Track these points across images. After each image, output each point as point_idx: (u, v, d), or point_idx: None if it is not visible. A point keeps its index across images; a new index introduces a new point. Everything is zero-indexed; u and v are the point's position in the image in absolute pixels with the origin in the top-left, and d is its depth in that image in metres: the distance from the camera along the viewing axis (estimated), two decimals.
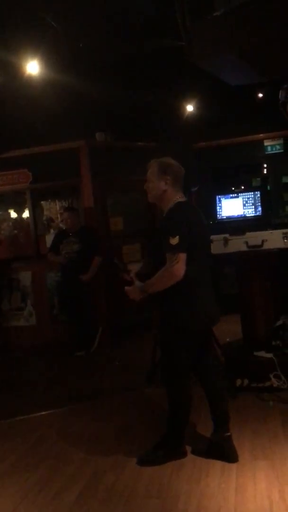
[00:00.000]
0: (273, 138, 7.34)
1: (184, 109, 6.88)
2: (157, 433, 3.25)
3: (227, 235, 3.90)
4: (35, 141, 5.99)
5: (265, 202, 6.95)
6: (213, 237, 3.61)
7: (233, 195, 7.02)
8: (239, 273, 4.17)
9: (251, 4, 3.01)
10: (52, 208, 6.40)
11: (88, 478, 2.84)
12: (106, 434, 3.41)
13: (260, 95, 6.76)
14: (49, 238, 5.99)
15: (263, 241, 3.83)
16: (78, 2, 3.93)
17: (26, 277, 6.17)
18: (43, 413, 3.90)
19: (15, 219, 6.85)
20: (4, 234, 6.67)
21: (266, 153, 7.43)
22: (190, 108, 6.89)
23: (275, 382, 3.63)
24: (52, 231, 6.24)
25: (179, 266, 2.58)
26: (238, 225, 6.14)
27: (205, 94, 6.56)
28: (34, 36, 4.24)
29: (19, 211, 6.77)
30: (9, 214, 6.85)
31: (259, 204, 6.83)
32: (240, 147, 7.54)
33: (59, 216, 6.30)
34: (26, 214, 6.53)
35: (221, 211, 6.97)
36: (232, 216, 6.90)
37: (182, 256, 2.59)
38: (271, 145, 7.39)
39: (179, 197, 2.80)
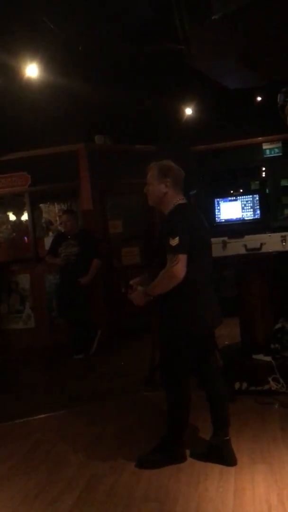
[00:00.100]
0: (271, 142, 7.37)
1: (183, 112, 6.90)
2: (156, 436, 3.24)
3: (225, 238, 3.90)
4: (34, 144, 6.00)
5: (264, 205, 6.96)
6: (211, 240, 3.61)
7: (232, 198, 7.02)
8: (237, 276, 4.17)
9: (249, 7, 3.03)
10: (51, 211, 6.41)
11: (87, 481, 2.83)
12: (105, 437, 3.41)
13: (259, 98, 6.78)
14: (48, 241, 5.99)
15: (261, 244, 3.83)
16: (77, 5, 3.94)
17: (25, 280, 6.17)
18: (42, 416, 3.89)
19: (14, 222, 6.85)
20: (3, 237, 6.67)
21: (265, 156, 7.46)
22: (189, 111, 6.91)
23: (273, 386, 3.63)
24: (51, 233, 6.24)
25: (179, 267, 2.57)
26: (237, 228, 6.15)
27: (203, 98, 6.58)
28: (33, 39, 4.25)
29: (18, 214, 6.77)
30: (8, 217, 6.85)
31: (258, 207, 6.83)
32: (239, 150, 7.57)
33: (58, 218, 6.30)
34: (25, 217, 6.53)
35: (219, 214, 6.97)
36: (231, 219, 6.90)
37: (182, 257, 2.58)
38: (270, 149, 7.41)
39: (180, 199, 2.80)
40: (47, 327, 6.09)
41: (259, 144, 7.42)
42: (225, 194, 7.16)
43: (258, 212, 6.83)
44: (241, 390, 3.72)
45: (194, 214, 2.82)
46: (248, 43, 3.48)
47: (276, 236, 3.85)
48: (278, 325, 3.91)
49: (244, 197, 6.95)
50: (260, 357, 3.80)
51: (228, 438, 2.88)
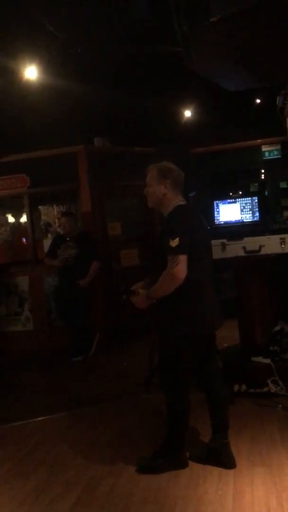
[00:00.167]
0: (270, 144, 7.36)
1: (182, 114, 6.92)
2: (155, 439, 3.24)
3: (224, 240, 3.90)
4: (34, 146, 6.00)
5: (263, 207, 6.95)
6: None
7: (231, 200, 7.02)
8: (237, 278, 4.17)
9: (248, 10, 3.03)
10: (50, 213, 6.41)
11: (85, 484, 2.83)
12: (103, 439, 3.40)
13: (258, 100, 6.80)
14: (47, 243, 5.99)
15: (260, 247, 3.83)
16: (76, 8, 3.95)
17: (24, 282, 6.16)
18: (40, 418, 3.88)
19: (13, 223, 6.85)
20: (2, 239, 6.67)
21: (264, 158, 7.46)
22: (188, 113, 6.92)
23: (272, 388, 3.63)
24: (49, 235, 6.24)
25: (179, 268, 2.56)
26: (236, 230, 6.14)
27: (203, 100, 6.59)
28: (33, 41, 4.26)
29: (17, 216, 6.77)
30: (7, 218, 6.85)
31: (257, 209, 6.83)
32: (238, 152, 7.56)
33: (57, 221, 6.30)
34: (24, 218, 6.53)
35: (218, 216, 6.97)
36: (230, 221, 6.89)
37: (183, 258, 2.57)
38: (269, 151, 7.41)
39: (179, 201, 2.79)
40: (45, 329, 6.07)
41: (258, 146, 7.42)
42: (224, 196, 7.15)
43: (257, 214, 6.83)
44: (240, 392, 3.71)
45: (194, 215, 2.80)
46: (246, 46, 3.49)
47: (275, 238, 3.84)
48: (277, 327, 3.91)
49: (243, 199, 6.94)
50: (259, 359, 3.80)
51: (227, 440, 2.87)
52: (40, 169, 6.03)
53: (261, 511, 2.41)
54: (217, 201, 6.99)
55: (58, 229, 6.13)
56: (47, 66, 4.60)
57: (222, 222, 6.90)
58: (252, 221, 6.78)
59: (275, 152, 7.40)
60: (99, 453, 3.20)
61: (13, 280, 6.19)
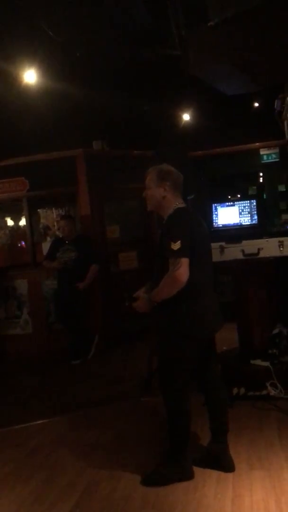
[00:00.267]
0: (269, 147, 7.39)
1: (181, 118, 6.93)
2: (154, 441, 3.24)
3: (223, 243, 3.90)
4: (32, 149, 6.01)
5: (261, 210, 6.98)
6: None
7: (229, 203, 7.05)
8: (235, 281, 4.17)
9: (246, 14, 3.04)
10: (49, 216, 6.40)
11: (84, 488, 2.82)
12: (102, 443, 3.39)
13: (256, 104, 6.81)
14: (46, 246, 5.98)
15: (259, 249, 3.84)
16: (75, 11, 3.96)
17: (22, 285, 6.15)
18: (39, 422, 3.87)
19: (12, 227, 6.85)
20: (0, 242, 6.66)
21: (262, 162, 7.48)
22: (186, 117, 6.94)
23: (271, 391, 3.63)
24: (48, 239, 6.24)
25: (181, 271, 2.54)
26: (234, 233, 6.16)
27: (201, 103, 6.61)
28: (32, 45, 4.27)
29: (16, 219, 6.77)
30: (5, 222, 6.85)
31: (255, 212, 6.86)
32: (236, 156, 7.59)
33: (55, 224, 6.30)
34: (23, 222, 6.53)
35: (217, 220, 7.00)
36: (228, 224, 6.92)
37: (185, 261, 2.55)
38: (267, 154, 7.43)
39: (179, 203, 2.77)
40: (44, 332, 6.06)
41: (257, 150, 7.45)
42: (223, 199, 7.18)
43: (256, 217, 6.86)
44: (239, 395, 3.71)
45: (194, 218, 2.80)
46: (244, 49, 3.50)
47: (274, 241, 3.85)
48: (276, 330, 3.91)
49: (242, 202, 6.98)
50: (258, 362, 3.80)
51: (226, 444, 2.86)
52: (39, 172, 6.04)
53: None
54: (215, 204, 7.02)
55: (57, 232, 6.13)
56: (46, 69, 4.61)
57: (221, 225, 6.93)
58: (250, 224, 6.81)
59: (273, 156, 7.43)
60: (98, 456, 3.20)
61: (12, 283, 6.18)
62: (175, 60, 4.13)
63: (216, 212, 7.01)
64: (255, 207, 6.86)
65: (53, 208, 6.33)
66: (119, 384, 4.60)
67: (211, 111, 6.68)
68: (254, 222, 6.82)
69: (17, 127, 5.70)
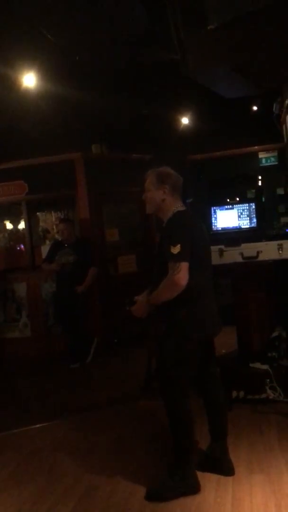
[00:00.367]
0: (267, 151, 7.41)
1: (179, 121, 6.95)
2: (153, 445, 3.23)
3: (222, 246, 3.90)
4: (32, 153, 6.01)
5: (260, 213, 7.00)
6: None
7: (228, 206, 7.06)
8: (234, 284, 4.17)
9: (245, 17, 3.05)
10: (48, 219, 6.41)
11: (82, 492, 2.80)
12: (101, 446, 3.38)
13: (255, 108, 6.83)
14: (45, 249, 5.99)
15: (258, 253, 3.84)
16: (74, 15, 3.97)
17: (21, 288, 6.15)
18: (37, 425, 3.86)
19: (11, 230, 6.85)
20: None
21: (261, 165, 7.50)
22: (185, 120, 6.95)
23: (271, 394, 3.61)
24: (47, 242, 6.24)
25: (181, 275, 2.53)
26: (234, 236, 6.16)
27: (200, 107, 6.62)
28: (31, 48, 4.28)
29: (15, 222, 6.77)
30: (4, 225, 6.85)
31: (254, 215, 6.87)
32: (235, 159, 7.61)
33: (54, 227, 6.30)
34: (22, 225, 6.53)
35: (216, 223, 7.01)
36: (227, 227, 6.94)
37: (184, 265, 2.54)
38: (266, 158, 7.46)
39: (179, 206, 2.76)
40: (43, 336, 6.06)
41: (255, 153, 7.47)
42: (222, 203, 7.19)
43: (255, 220, 6.87)
44: (238, 398, 3.70)
45: (194, 221, 2.79)
46: (243, 53, 3.51)
47: (273, 244, 3.85)
48: (275, 333, 3.90)
49: (241, 205, 6.99)
50: (257, 365, 3.79)
51: (225, 447, 2.85)
52: (38, 175, 6.05)
53: None
54: (214, 207, 7.03)
55: (56, 236, 6.13)
56: (45, 73, 4.62)
57: (220, 228, 6.94)
58: (249, 227, 6.82)
59: (272, 159, 7.45)
60: (97, 460, 3.18)
61: (11, 286, 6.17)
62: (174, 64, 4.14)
63: (215, 215, 7.02)
64: (254, 210, 6.88)
65: (52, 211, 6.34)
66: (118, 387, 4.59)
67: (210, 115, 6.70)
68: (253, 225, 6.84)
69: (17, 131, 5.71)
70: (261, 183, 7.98)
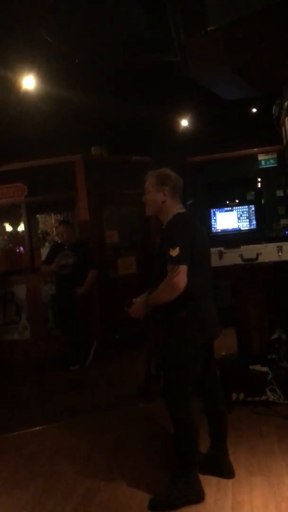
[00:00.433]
0: (267, 153, 7.42)
1: (179, 123, 6.95)
2: (151, 448, 3.22)
3: (222, 248, 3.90)
4: (31, 155, 6.02)
5: (260, 215, 7.01)
6: None
7: (228, 208, 7.07)
8: (234, 286, 4.17)
9: (245, 19, 3.05)
10: (48, 222, 6.41)
11: (81, 496, 2.79)
12: (100, 449, 3.36)
13: (254, 110, 6.84)
14: (44, 252, 5.98)
15: (258, 254, 3.84)
16: (74, 18, 3.98)
17: (21, 291, 6.14)
18: (37, 428, 3.84)
19: (11, 232, 6.85)
20: None
21: (260, 167, 7.50)
22: (184, 122, 6.96)
23: (271, 396, 3.61)
24: (47, 244, 6.23)
25: (179, 278, 2.52)
26: (233, 238, 6.16)
27: (199, 109, 6.63)
28: (30, 51, 4.29)
29: (15, 225, 6.77)
30: (4, 227, 6.85)
31: (254, 217, 6.88)
32: (234, 161, 7.61)
33: (54, 229, 6.30)
34: (21, 227, 6.53)
35: (216, 225, 7.01)
36: (227, 229, 6.94)
37: (183, 268, 2.53)
38: (265, 160, 7.46)
39: (179, 208, 2.75)
40: (42, 338, 6.05)
41: (255, 155, 7.47)
42: (221, 205, 7.20)
43: (254, 222, 6.88)
44: (238, 401, 3.69)
45: (194, 223, 2.78)
46: (243, 55, 3.52)
47: (272, 246, 3.85)
48: (275, 335, 3.90)
49: (240, 207, 7.00)
50: (257, 367, 3.78)
51: (225, 450, 2.84)
52: (38, 178, 6.05)
53: None
54: (214, 209, 7.04)
55: (56, 238, 6.13)
56: (45, 75, 4.63)
57: (220, 230, 6.94)
58: (249, 229, 6.83)
59: (271, 161, 7.45)
60: (96, 463, 3.17)
61: (10, 288, 6.17)
62: (174, 66, 4.15)
63: (214, 217, 7.03)
64: (253, 212, 6.89)
65: (52, 214, 6.34)
66: (117, 389, 4.58)
67: (209, 117, 6.71)
68: (252, 227, 6.84)
69: (16, 133, 5.71)
70: (261, 185, 7.99)
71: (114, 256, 6.23)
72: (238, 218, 6.92)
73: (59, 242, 5.78)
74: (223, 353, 4.36)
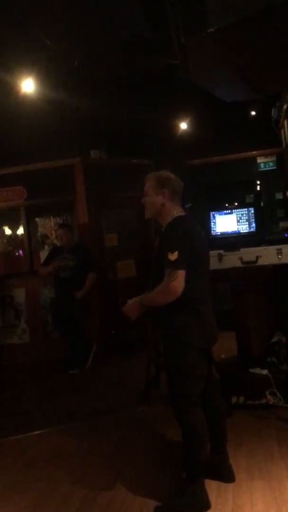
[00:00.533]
0: (266, 155, 7.43)
1: (178, 126, 6.96)
2: (152, 452, 3.21)
3: (221, 251, 3.90)
4: (30, 158, 6.02)
5: (259, 218, 7.00)
6: None
7: (227, 211, 7.06)
8: (234, 289, 4.16)
9: (246, 21, 3.06)
10: (47, 225, 6.41)
11: (81, 500, 2.78)
12: (99, 454, 3.35)
13: (253, 113, 6.86)
14: (44, 255, 5.98)
15: (257, 257, 3.83)
16: (73, 21, 3.98)
17: (20, 294, 6.13)
18: (36, 432, 3.83)
19: (10, 235, 6.85)
20: None
21: (259, 170, 7.51)
22: (184, 125, 6.97)
23: (271, 399, 3.60)
24: (46, 247, 6.23)
25: (177, 282, 2.50)
26: (233, 241, 6.16)
27: (198, 112, 6.64)
28: (30, 54, 4.29)
29: (14, 228, 6.77)
30: (3, 230, 6.85)
31: (253, 220, 6.87)
32: (234, 164, 7.62)
33: (53, 232, 6.30)
34: (20, 230, 6.52)
35: (215, 227, 7.01)
36: (226, 232, 6.93)
37: (181, 273, 2.51)
38: (264, 162, 7.47)
39: (178, 211, 2.73)
40: (42, 342, 6.04)
41: (254, 158, 7.48)
42: (221, 207, 7.20)
43: (254, 225, 6.87)
44: (238, 404, 3.68)
45: (193, 227, 2.75)
46: (244, 56, 3.51)
47: (272, 249, 3.84)
48: (275, 338, 3.89)
49: (239, 210, 6.99)
50: (257, 370, 3.77)
51: (226, 454, 2.83)
52: (37, 181, 6.05)
53: None
54: (213, 212, 7.03)
55: (55, 241, 6.12)
56: (44, 79, 4.63)
57: (219, 233, 6.93)
58: (248, 232, 6.82)
59: (271, 164, 7.46)
60: (96, 467, 3.16)
61: (9, 292, 6.16)
62: (173, 69, 4.15)
63: (214, 220, 7.02)
64: (253, 215, 6.88)
65: (51, 217, 6.34)
66: (117, 393, 4.56)
67: (208, 120, 6.72)
68: (252, 230, 6.83)
69: (15, 136, 5.71)
70: (260, 187, 7.99)
71: (114, 259, 6.23)
72: (238, 221, 6.91)
73: (59, 245, 5.78)
74: (223, 356, 4.35)
